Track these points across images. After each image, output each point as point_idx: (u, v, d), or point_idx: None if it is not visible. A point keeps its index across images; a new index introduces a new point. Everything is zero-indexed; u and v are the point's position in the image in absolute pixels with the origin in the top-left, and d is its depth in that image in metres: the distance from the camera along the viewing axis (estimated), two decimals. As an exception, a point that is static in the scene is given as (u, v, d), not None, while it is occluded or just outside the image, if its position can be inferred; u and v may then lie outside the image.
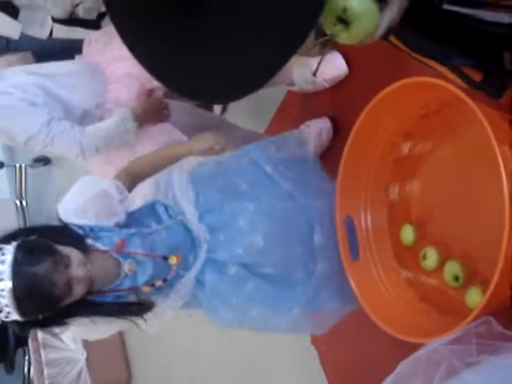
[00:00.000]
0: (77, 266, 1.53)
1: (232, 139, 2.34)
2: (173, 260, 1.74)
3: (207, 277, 1.79)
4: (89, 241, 1.65)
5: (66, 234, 1.64)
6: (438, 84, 1.54)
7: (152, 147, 2.18)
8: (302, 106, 2.55)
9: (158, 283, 1.73)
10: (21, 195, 5.63)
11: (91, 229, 1.68)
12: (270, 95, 2.55)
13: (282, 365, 2.52)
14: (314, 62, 2.34)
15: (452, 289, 1.80)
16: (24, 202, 5.64)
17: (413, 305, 1.81)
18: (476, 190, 1.76)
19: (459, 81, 1.20)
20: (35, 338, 4.16)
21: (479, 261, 1.75)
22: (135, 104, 2.18)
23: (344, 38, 1.12)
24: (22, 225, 5.49)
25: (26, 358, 4.71)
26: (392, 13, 1.10)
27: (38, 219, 5.66)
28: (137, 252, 1.69)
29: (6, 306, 1.43)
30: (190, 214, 1.81)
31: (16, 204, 5.56)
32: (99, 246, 1.65)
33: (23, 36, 2.43)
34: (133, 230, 1.72)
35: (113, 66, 2.24)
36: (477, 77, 1.16)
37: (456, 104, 1.57)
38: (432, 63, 1.18)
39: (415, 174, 1.93)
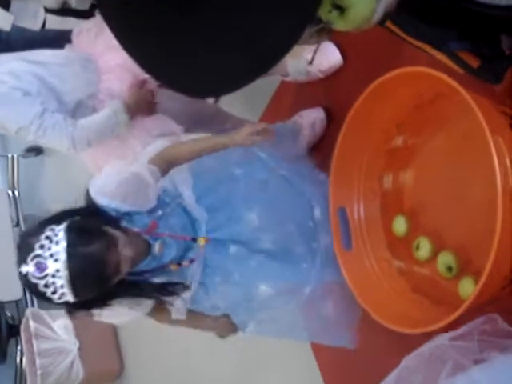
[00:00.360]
0: (123, 246, 1.55)
1: (223, 126, 2.34)
2: (201, 241, 1.78)
3: (208, 257, 1.81)
4: (123, 222, 1.68)
5: (106, 216, 1.66)
6: (431, 74, 1.54)
7: (146, 139, 2.17)
8: (295, 96, 2.54)
9: (185, 263, 1.77)
10: (13, 185, 5.60)
11: (127, 212, 1.70)
12: (264, 85, 2.54)
13: (276, 361, 2.52)
14: (308, 52, 2.33)
15: (445, 279, 1.80)
16: (16, 193, 5.62)
17: (405, 295, 1.82)
18: (469, 181, 1.76)
19: (456, 67, 1.19)
20: (27, 328, 4.14)
21: (472, 251, 1.75)
22: (127, 95, 2.17)
23: (340, 24, 1.11)
24: (14, 215, 5.48)
25: (19, 347, 4.68)
26: None
27: (30, 209, 5.64)
28: (165, 234, 1.72)
29: (61, 286, 1.43)
30: (188, 196, 1.83)
31: (8, 194, 5.53)
32: (133, 227, 1.68)
33: (14, 27, 2.42)
34: (160, 213, 1.75)
35: (106, 56, 2.22)
36: (474, 63, 1.14)
37: (450, 94, 1.57)
38: (429, 49, 1.16)
39: (408, 164, 1.93)
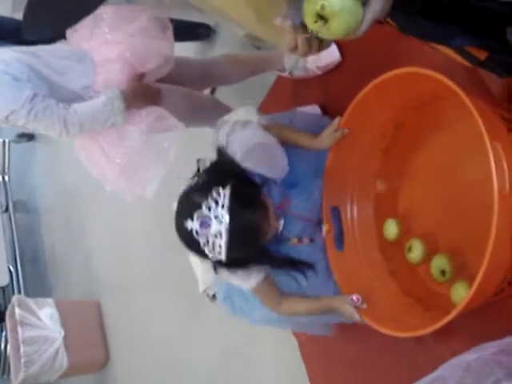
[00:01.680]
0: (272, 216, 1.66)
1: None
2: (326, 227, 1.89)
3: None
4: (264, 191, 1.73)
5: (255, 185, 1.71)
6: (430, 75, 1.52)
7: (142, 130, 2.14)
8: (292, 92, 2.52)
9: (305, 240, 1.87)
10: (3, 170, 5.58)
11: (266, 179, 1.76)
12: (261, 79, 2.53)
13: (261, 352, 2.52)
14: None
15: (437, 283, 1.79)
16: (6, 178, 5.59)
17: (396, 298, 1.80)
18: (465, 185, 1.75)
19: (462, 60, 1.16)
20: (13, 315, 4.13)
21: (467, 256, 1.74)
22: (127, 85, 2.14)
23: (325, 34, 1.10)
24: (3, 200, 5.45)
25: (3, 334, 4.68)
26: (376, 8, 1.06)
27: (20, 195, 5.62)
28: (294, 213, 1.84)
29: (219, 246, 1.53)
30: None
31: (-2, 179, 5.52)
32: (270, 198, 1.73)
33: (8, 18, 2.39)
34: (286, 190, 1.84)
35: (102, 49, 2.19)
36: (481, 55, 1.12)
37: (449, 96, 1.55)
38: (433, 44, 1.14)
39: (404, 165, 1.91)
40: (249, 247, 1.61)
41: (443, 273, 1.75)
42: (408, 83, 1.66)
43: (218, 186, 1.55)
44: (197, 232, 1.52)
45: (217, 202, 1.52)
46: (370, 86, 1.72)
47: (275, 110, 2.52)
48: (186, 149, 2.33)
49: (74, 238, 4.88)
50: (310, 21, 1.08)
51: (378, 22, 1.16)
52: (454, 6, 1.05)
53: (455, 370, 1.38)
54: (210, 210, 1.52)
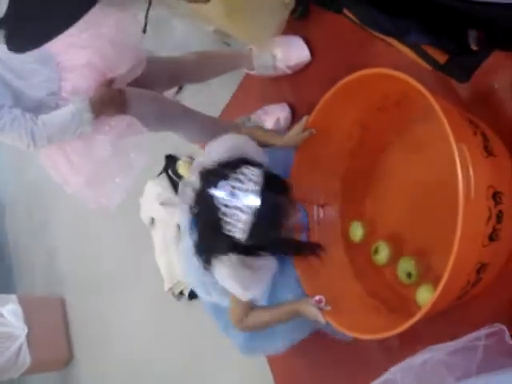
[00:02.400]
0: (295, 204, 1.67)
1: (189, 124, 2.30)
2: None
3: None
4: None
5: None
6: (397, 76, 1.52)
7: (111, 140, 2.09)
8: (260, 91, 2.50)
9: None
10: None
11: None
12: (228, 77, 2.50)
13: (226, 353, 2.50)
14: (276, 48, 2.30)
15: (403, 285, 1.79)
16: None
17: (361, 299, 1.80)
18: (432, 187, 1.75)
19: (423, 63, 1.15)
20: (-24, 312, 4.07)
21: (433, 258, 1.74)
22: (94, 93, 2.07)
23: None
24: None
25: (-34, 330, 4.60)
26: None
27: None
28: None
29: (241, 222, 1.51)
30: None
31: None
32: None
33: None
34: None
35: (68, 54, 2.11)
36: (442, 58, 1.10)
37: (416, 97, 1.55)
38: (396, 43, 1.12)
39: (371, 167, 1.91)
40: (271, 230, 1.60)
41: (409, 275, 1.75)
42: (374, 84, 1.66)
43: (248, 164, 1.56)
44: (221, 200, 1.51)
45: (247, 178, 1.52)
46: (336, 86, 1.71)
47: (243, 108, 2.51)
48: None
49: (38, 233, 4.82)
50: None
51: (336, 12, 1.14)
52: (412, 1, 1.03)
53: (404, 372, 1.39)
54: (239, 182, 1.51)
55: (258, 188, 1.51)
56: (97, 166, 2.15)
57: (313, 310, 1.71)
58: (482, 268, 1.48)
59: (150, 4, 1.11)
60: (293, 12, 2.24)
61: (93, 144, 2.10)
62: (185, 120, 2.27)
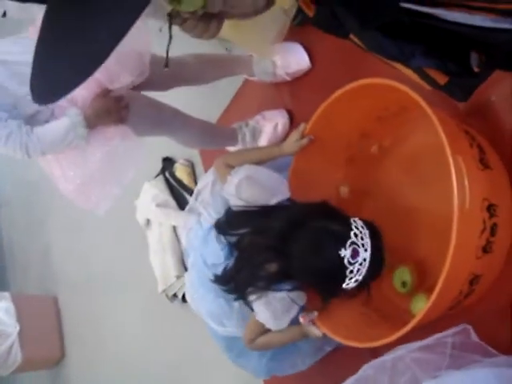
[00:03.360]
0: None
1: (186, 129, 2.30)
2: None
3: None
4: None
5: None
6: (396, 87, 1.53)
7: (104, 152, 2.08)
8: (259, 97, 2.51)
9: None
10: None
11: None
12: (227, 83, 2.51)
13: (217, 354, 2.50)
14: (276, 55, 2.31)
15: (398, 294, 1.80)
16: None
17: (354, 308, 1.80)
18: (428, 197, 1.76)
19: (423, 83, 1.16)
20: (-32, 310, 4.07)
21: (428, 268, 1.75)
22: (89, 105, 2.05)
23: (180, 7, 1.09)
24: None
25: (-42, 327, 4.59)
26: None
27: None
28: None
29: (360, 274, 1.57)
30: None
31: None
32: None
33: None
34: None
35: None
36: (442, 79, 1.12)
37: (414, 108, 1.56)
38: (395, 64, 1.14)
39: (368, 176, 1.92)
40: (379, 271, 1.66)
41: (404, 284, 1.76)
42: (374, 94, 1.67)
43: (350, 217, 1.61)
44: (348, 260, 1.54)
45: (360, 231, 1.57)
46: (336, 94, 1.72)
47: (241, 113, 2.51)
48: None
49: (32, 232, 4.81)
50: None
51: (344, 37, 1.16)
52: (415, 26, 1.04)
53: (377, 369, 1.43)
54: (357, 237, 1.56)
55: (370, 240, 1.57)
56: (87, 174, 2.14)
57: (312, 329, 1.74)
58: (474, 279, 1.49)
59: (170, 38, 1.10)
60: (293, 19, 2.25)
61: (87, 156, 2.09)
62: (181, 125, 2.27)
